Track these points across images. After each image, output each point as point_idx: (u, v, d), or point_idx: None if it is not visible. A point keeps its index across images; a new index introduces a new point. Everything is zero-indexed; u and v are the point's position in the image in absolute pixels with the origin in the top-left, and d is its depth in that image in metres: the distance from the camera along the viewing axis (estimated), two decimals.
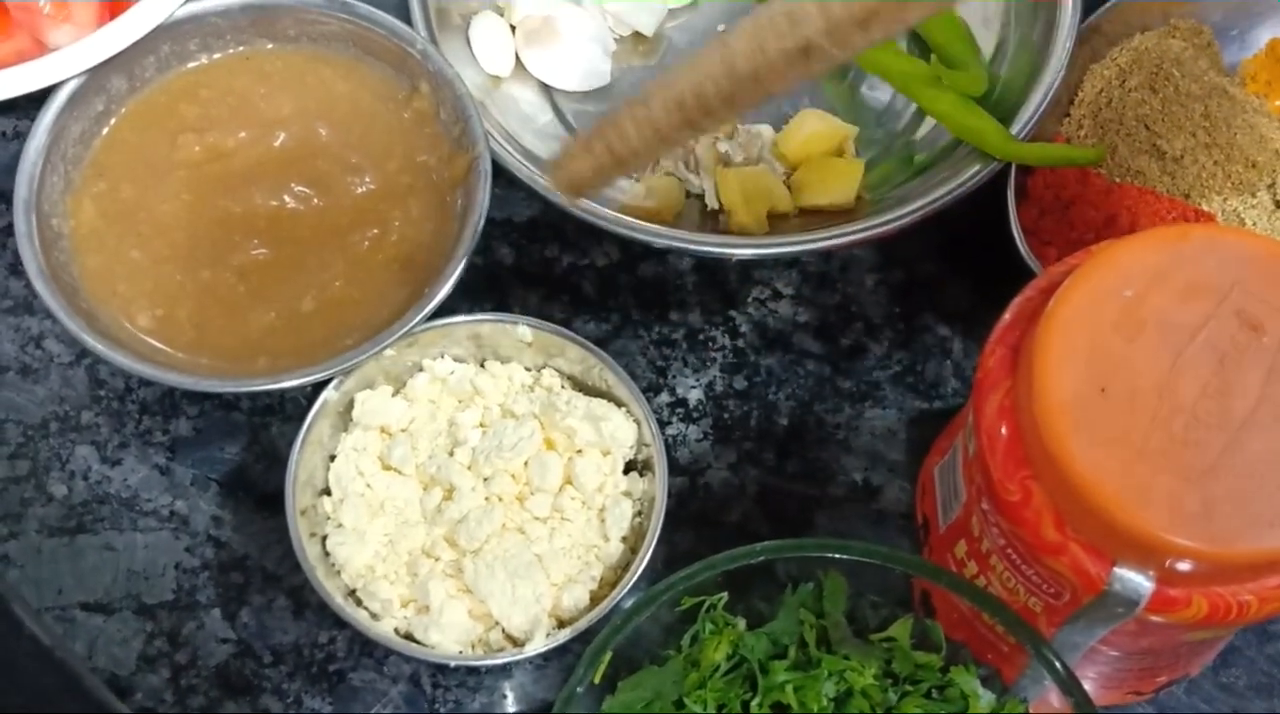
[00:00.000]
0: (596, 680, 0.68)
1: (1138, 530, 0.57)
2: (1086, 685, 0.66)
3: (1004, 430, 0.62)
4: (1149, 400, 0.59)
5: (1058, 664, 0.65)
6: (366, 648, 0.78)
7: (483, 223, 0.79)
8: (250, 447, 0.83)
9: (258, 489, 0.82)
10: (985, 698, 0.69)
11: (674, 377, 0.85)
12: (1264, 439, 0.58)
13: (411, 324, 0.77)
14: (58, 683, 0.57)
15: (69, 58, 0.81)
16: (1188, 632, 0.64)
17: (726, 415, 0.84)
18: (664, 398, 0.84)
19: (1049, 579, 0.64)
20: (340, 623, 0.78)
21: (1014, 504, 0.62)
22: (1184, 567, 0.59)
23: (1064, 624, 0.66)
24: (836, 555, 0.70)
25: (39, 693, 0.57)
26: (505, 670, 0.78)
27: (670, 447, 0.82)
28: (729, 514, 0.82)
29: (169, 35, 0.84)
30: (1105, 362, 0.59)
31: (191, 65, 0.86)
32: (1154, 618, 0.61)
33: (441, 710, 0.77)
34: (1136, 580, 0.60)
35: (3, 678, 0.56)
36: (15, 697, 0.56)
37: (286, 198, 0.82)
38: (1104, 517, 0.58)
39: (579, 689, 0.68)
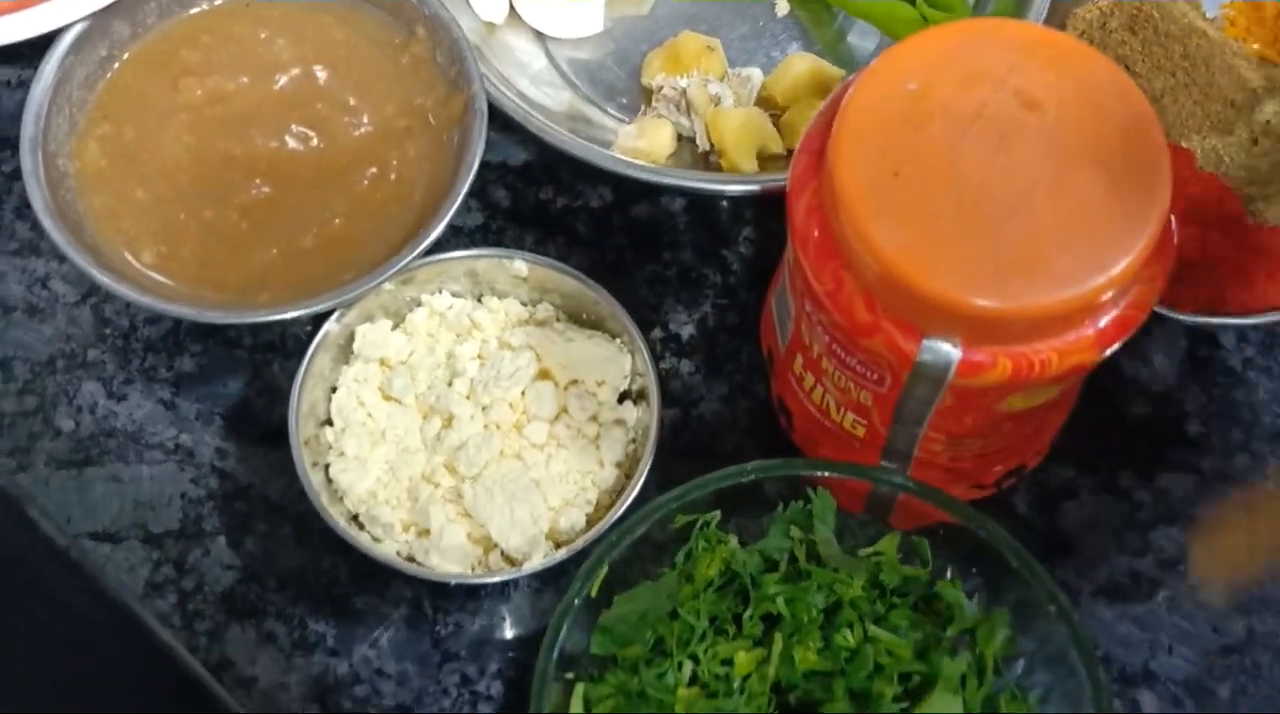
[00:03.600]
0: (593, 594, 0.70)
1: (939, 297, 0.61)
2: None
3: (813, 227, 0.66)
4: (939, 179, 0.63)
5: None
6: (369, 574, 0.80)
7: (479, 160, 0.81)
8: (253, 382, 0.85)
9: (260, 423, 0.84)
10: (970, 609, 0.71)
11: (667, 313, 0.87)
12: (1048, 204, 0.62)
13: (411, 256, 0.79)
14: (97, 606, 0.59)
15: (73, 3, 0.83)
16: (1001, 399, 0.67)
17: (718, 350, 0.86)
18: (657, 333, 0.86)
19: (869, 364, 0.68)
20: (342, 550, 0.79)
21: (829, 293, 0.66)
22: (985, 329, 0.63)
23: (894, 415, 0.70)
24: (823, 473, 0.72)
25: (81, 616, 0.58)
26: (504, 594, 0.80)
27: (664, 380, 0.84)
28: (722, 445, 0.84)
29: None
30: (896, 149, 0.63)
31: (193, 11, 0.88)
32: (964, 382, 0.65)
33: (442, 633, 0.79)
34: (944, 348, 0.64)
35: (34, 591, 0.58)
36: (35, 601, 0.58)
37: (287, 138, 0.84)
38: (907, 289, 0.62)
39: (576, 602, 0.70)
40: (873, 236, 0.62)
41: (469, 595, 0.80)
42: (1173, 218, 0.66)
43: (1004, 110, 0.64)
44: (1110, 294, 0.63)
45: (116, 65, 0.86)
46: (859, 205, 0.63)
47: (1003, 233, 0.62)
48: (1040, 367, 0.64)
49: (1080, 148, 0.63)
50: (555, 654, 0.69)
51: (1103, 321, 0.64)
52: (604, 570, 0.70)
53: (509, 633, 0.80)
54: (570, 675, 0.70)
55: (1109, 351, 0.65)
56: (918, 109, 0.64)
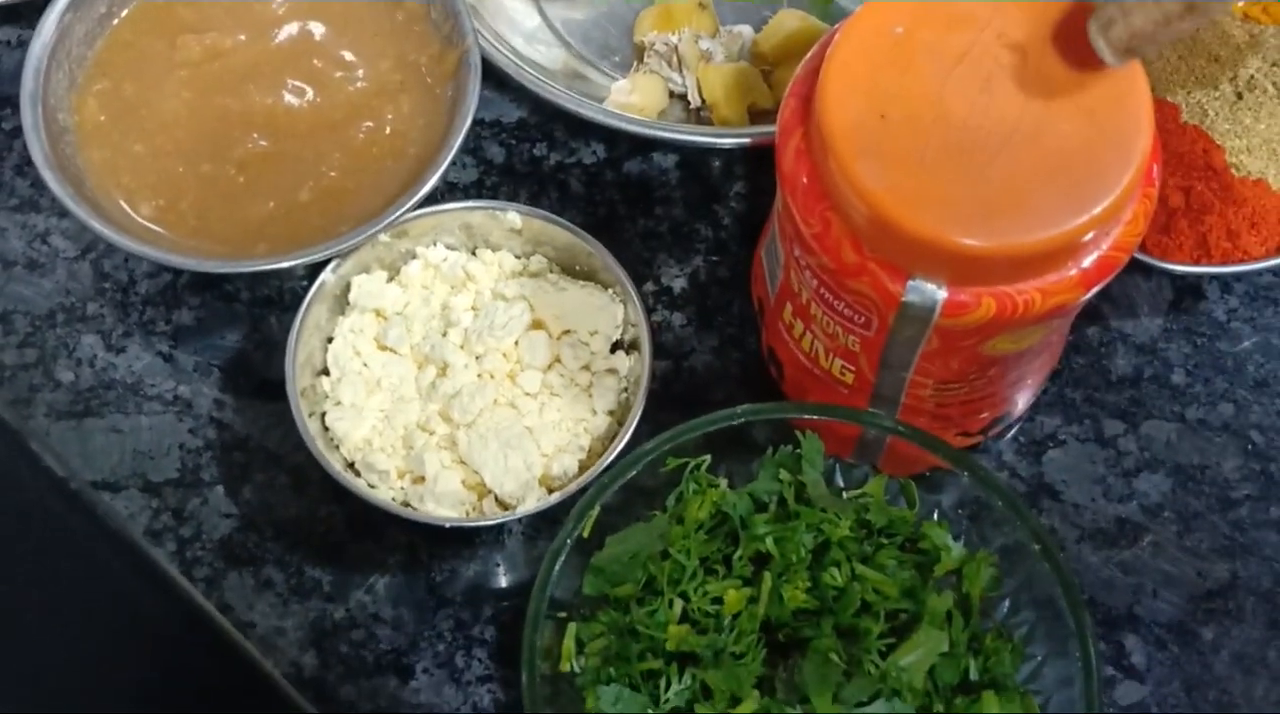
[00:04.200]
0: (586, 534, 0.71)
1: (924, 237, 0.63)
2: None
3: (801, 170, 0.67)
4: (924, 121, 0.64)
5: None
6: (364, 522, 0.81)
7: (472, 114, 0.82)
8: (250, 335, 0.86)
9: (258, 375, 0.85)
10: (956, 550, 0.72)
11: (659, 267, 0.88)
12: (1031, 145, 0.64)
13: (405, 207, 0.80)
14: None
15: None
16: (986, 340, 0.68)
17: (710, 302, 0.87)
18: (649, 287, 0.87)
19: (857, 307, 0.69)
20: (338, 498, 0.81)
21: (816, 235, 0.67)
22: (969, 268, 0.64)
23: (881, 359, 0.71)
24: (812, 416, 0.73)
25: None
26: (498, 541, 0.81)
27: (656, 332, 0.85)
28: (713, 395, 0.85)
29: None
30: (882, 92, 0.65)
31: None
32: (949, 323, 0.66)
33: (437, 579, 0.80)
34: (929, 289, 0.65)
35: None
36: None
37: (284, 94, 0.85)
38: (893, 229, 0.63)
39: (568, 542, 0.71)
40: (859, 177, 0.63)
41: (463, 542, 0.81)
42: (1155, 165, 0.67)
43: (988, 53, 0.65)
44: (1092, 234, 0.64)
45: (115, 22, 0.87)
46: (846, 147, 0.64)
47: (987, 173, 0.63)
48: (1024, 306, 0.65)
49: (1063, 90, 0.65)
50: (548, 593, 0.70)
51: (1086, 262, 0.65)
52: (596, 511, 0.71)
53: (503, 579, 0.81)
54: (563, 615, 0.71)
55: (1092, 292, 0.66)
56: (904, 52, 0.65)
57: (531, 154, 0.91)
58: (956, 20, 0.66)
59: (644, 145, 0.90)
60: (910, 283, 0.65)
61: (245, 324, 0.86)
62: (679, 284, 0.88)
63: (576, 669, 0.71)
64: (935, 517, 0.74)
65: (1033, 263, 0.64)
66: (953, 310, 0.65)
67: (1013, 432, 0.83)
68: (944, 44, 0.66)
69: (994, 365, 0.72)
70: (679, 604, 0.70)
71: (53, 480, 0.62)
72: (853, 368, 0.74)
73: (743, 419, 0.73)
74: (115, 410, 0.84)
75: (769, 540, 0.71)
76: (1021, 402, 0.80)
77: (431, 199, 0.82)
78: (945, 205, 0.63)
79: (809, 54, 0.70)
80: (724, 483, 0.74)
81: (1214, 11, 0.62)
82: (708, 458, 0.74)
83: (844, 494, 0.74)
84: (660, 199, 0.90)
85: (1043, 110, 0.64)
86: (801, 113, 0.68)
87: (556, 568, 0.70)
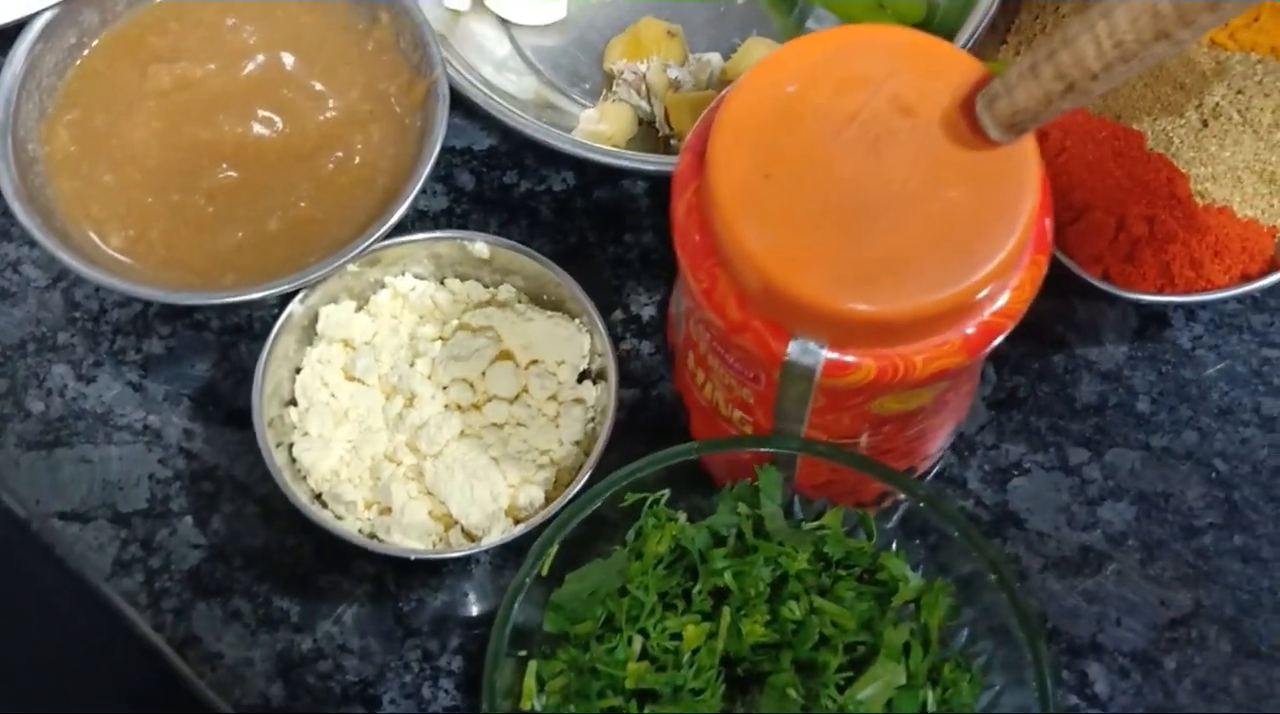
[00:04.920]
0: (544, 573, 0.71)
1: (804, 298, 0.62)
2: None
3: (692, 225, 0.67)
4: (809, 182, 0.63)
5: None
6: (332, 552, 0.82)
7: (440, 144, 0.83)
8: (220, 364, 0.87)
9: (227, 404, 0.86)
10: (915, 580, 0.72)
11: (628, 295, 0.88)
12: (916, 209, 0.63)
13: (374, 237, 0.80)
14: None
15: None
16: (871, 400, 0.68)
17: None
18: (618, 315, 0.88)
19: (745, 362, 0.68)
20: (307, 529, 0.81)
21: (705, 291, 0.66)
22: (850, 331, 0.63)
23: (775, 412, 0.71)
24: (766, 450, 0.73)
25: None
26: (465, 571, 0.82)
27: (624, 361, 0.86)
28: (681, 423, 0.85)
29: None
30: (769, 151, 0.64)
31: None
32: (831, 383, 0.65)
33: (405, 609, 0.81)
34: (811, 349, 0.64)
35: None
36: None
37: (253, 124, 0.86)
38: (774, 289, 0.62)
39: (527, 580, 0.71)
40: (742, 236, 0.63)
41: (431, 572, 0.81)
42: (1047, 220, 0.66)
43: (878, 115, 0.64)
44: (978, 297, 0.63)
45: (85, 52, 0.88)
46: (730, 205, 0.63)
47: (870, 237, 0.62)
48: (905, 370, 0.64)
49: (951, 154, 0.64)
50: (507, 632, 0.70)
51: (969, 328, 0.64)
52: (555, 549, 0.71)
53: (471, 609, 0.81)
54: (524, 653, 0.72)
55: (977, 358, 0.66)
56: (793, 112, 0.64)
57: (502, 182, 0.92)
58: (850, 82, 0.65)
59: (614, 173, 0.91)
60: (792, 343, 0.64)
61: (215, 353, 0.87)
62: (648, 312, 0.88)
63: (537, 707, 0.71)
64: (894, 547, 0.74)
65: (913, 327, 0.63)
66: (834, 371, 0.65)
67: (978, 460, 0.83)
68: (835, 105, 0.64)
69: (886, 423, 0.72)
70: (638, 641, 0.70)
71: (13, 517, 0.62)
72: (750, 419, 0.74)
73: (698, 454, 0.73)
74: (85, 440, 0.85)
75: (727, 575, 0.71)
76: (933, 454, 0.80)
77: (401, 227, 0.82)
78: (826, 267, 0.62)
79: (710, 107, 0.69)
80: (683, 517, 0.74)
81: (1094, 94, 0.61)
82: (667, 492, 0.74)
83: (802, 526, 0.74)
84: (630, 226, 0.90)
85: (929, 175, 0.63)
86: (695, 167, 0.67)
87: (515, 607, 0.70)
